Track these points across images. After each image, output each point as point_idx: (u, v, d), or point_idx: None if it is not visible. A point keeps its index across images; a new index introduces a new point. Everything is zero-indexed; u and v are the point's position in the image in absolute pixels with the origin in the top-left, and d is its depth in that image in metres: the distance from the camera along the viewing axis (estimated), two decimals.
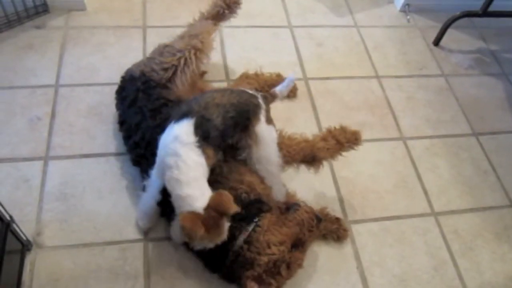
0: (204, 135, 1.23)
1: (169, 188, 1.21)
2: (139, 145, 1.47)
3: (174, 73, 1.54)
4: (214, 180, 1.32)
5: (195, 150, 1.21)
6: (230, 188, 1.34)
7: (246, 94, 1.37)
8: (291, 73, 1.61)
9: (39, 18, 2.00)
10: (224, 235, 1.19)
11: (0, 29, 1.91)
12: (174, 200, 1.21)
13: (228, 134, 1.32)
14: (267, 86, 1.76)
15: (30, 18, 1.98)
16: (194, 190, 1.18)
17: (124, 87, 1.60)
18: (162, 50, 1.60)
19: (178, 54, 1.55)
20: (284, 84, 1.51)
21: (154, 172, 1.33)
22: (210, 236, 1.16)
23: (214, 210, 1.15)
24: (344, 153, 1.55)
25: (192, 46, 1.56)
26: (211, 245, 1.20)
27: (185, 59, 1.55)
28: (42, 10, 2.01)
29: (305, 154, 1.56)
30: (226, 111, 1.29)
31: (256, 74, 1.82)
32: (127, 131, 1.54)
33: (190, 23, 1.74)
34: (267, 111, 1.41)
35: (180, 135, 1.22)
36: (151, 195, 1.37)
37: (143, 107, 1.49)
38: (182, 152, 1.20)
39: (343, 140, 1.54)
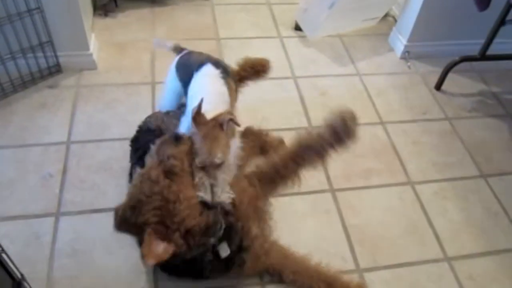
0: (224, 69, 1.50)
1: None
2: None
3: None
4: None
5: (220, 80, 1.45)
6: None
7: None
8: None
9: (52, 78, 2.09)
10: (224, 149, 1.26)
11: (16, 90, 2.00)
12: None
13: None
14: (267, 147, 1.82)
15: (43, 78, 2.07)
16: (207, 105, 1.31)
17: (139, 137, 1.62)
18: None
19: None
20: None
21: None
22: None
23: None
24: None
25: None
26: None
27: None
28: (55, 70, 2.10)
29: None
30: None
31: (260, 132, 1.85)
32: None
33: None
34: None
35: (207, 70, 1.48)
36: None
37: None
38: (207, 82, 1.45)
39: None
